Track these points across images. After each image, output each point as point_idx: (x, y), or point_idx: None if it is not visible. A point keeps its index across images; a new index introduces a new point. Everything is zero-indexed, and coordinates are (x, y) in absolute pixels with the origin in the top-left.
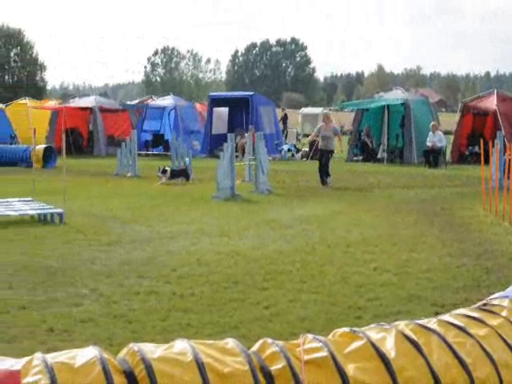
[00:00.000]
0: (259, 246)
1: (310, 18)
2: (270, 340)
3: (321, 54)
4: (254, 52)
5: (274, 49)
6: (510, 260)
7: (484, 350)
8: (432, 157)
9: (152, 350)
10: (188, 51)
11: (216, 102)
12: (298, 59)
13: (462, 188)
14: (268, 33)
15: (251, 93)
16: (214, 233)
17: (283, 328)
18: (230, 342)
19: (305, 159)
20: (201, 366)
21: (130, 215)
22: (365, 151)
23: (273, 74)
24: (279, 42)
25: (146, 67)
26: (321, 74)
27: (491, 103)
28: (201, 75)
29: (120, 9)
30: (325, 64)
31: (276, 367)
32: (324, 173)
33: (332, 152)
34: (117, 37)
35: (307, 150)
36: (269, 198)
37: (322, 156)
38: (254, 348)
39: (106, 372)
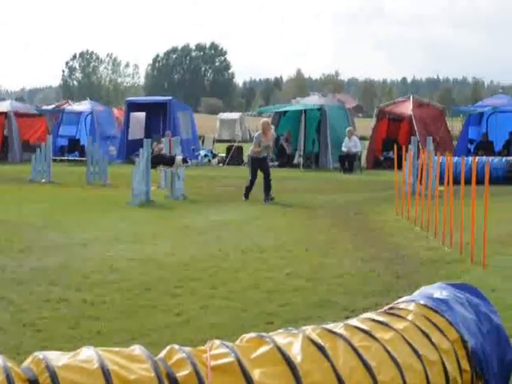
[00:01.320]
0: (173, 252)
1: (229, 23)
2: (176, 346)
3: (240, 59)
4: (174, 56)
5: (193, 53)
6: (420, 265)
7: (389, 353)
8: (347, 162)
9: (57, 358)
10: (107, 55)
11: (133, 106)
12: (217, 64)
13: (376, 193)
14: (188, 37)
15: (169, 98)
16: (127, 239)
17: (194, 334)
18: (137, 349)
19: (221, 164)
20: (106, 374)
21: (44, 221)
22: (281, 156)
23: (192, 79)
24: (199, 47)
25: (63, 71)
26: (240, 79)
27: (406, 109)
28: (119, 80)
29: (40, 10)
30: (244, 69)
31: (182, 373)
32: (269, 186)
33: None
34: (34, 40)
35: (224, 155)
36: (184, 203)
37: (255, 165)
38: (161, 355)
39: (9, 380)
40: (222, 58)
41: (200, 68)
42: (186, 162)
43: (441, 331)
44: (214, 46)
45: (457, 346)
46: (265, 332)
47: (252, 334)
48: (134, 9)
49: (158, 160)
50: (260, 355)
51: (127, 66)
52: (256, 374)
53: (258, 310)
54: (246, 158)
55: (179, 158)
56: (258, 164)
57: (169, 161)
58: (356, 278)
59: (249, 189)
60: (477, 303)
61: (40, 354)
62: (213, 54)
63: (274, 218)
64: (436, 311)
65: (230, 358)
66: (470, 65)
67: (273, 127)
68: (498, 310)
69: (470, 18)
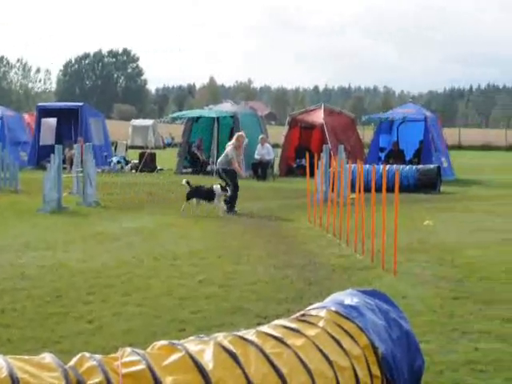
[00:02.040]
0: (85, 259)
1: (142, 29)
2: (87, 354)
3: (153, 66)
4: (86, 62)
5: (106, 59)
6: (332, 272)
7: (300, 360)
8: (260, 169)
9: None
10: (18, 60)
11: (44, 112)
12: (129, 70)
13: (289, 200)
14: (101, 43)
15: (81, 104)
16: (39, 246)
17: (106, 342)
18: (47, 357)
19: (134, 171)
20: (15, 382)
21: None
22: (194, 163)
23: (104, 85)
24: (111, 53)
25: None
26: (152, 86)
27: (318, 117)
28: (30, 85)
29: None
30: (157, 75)
31: (93, 381)
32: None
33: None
34: None
35: (136, 161)
36: (96, 210)
37: (236, 176)
38: (72, 363)
39: None
40: (135, 65)
41: (112, 74)
42: (226, 190)
43: (352, 337)
44: (126, 53)
45: (367, 352)
46: (177, 339)
47: (163, 342)
48: (45, 14)
49: (196, 194)
50: (172, 363)
51: (38, 71)
52: (168, 381)
53: (170, 316)
54: (212, 169)
55: (217, 187)
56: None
57: (208, 194)
58: (269, 285)
59: (234, 200)
60: (387, 309)
61: None
62: (125, 61)
63: (186, 226)
64: (347, 318)
65: (142, 366)
66: (381, 74)
67: (246, 140)
68: (408, 317)
69: (382, 28)
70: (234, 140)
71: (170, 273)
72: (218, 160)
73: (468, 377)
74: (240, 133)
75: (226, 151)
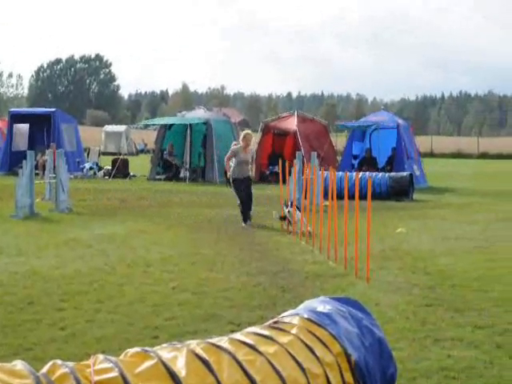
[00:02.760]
0: (57, 265)
1: (115, 35)
2: (59, 361)
3: (126, 72)
4: (59, 67)
5: (78, 65)
6: (305, 279)
7: (273, 367)
8: None
9: None
10: None
11: (16, 118)
12: (102, 76)
13: (262, 207)
14: (73, 48)
15: (53, 109)
16: (11, 252)
17: (79, 349)
18: (18, 364)
19: (107, 177)
20: None
21: None
22: (167, 170)
23: (77, 91)
24: (84, 59)
25: None
26: (125, 92)
27: (291, 124)
28: (2, 90)
29: None
30: (129, 81)
31: None
32: (249, 206)
33: (251, 179)
34: None
35: (109, 168)
36: (69, 216)
37: (240, 186)
38: (44, 370)
39: None
40: (107, 70)
41: (85, 80)
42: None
43: (324, 345)
44: (98, 58)
45: (340, 359)
46: (150, 346)
47: (136, 349)
48: (17, 18)
49: None
50: (144, 370)
51: (10, 76)
52: None
53: (143, 324)
54: (186, 175)
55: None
56: (242, 184)
57: None
58: (242, 292)
59: (244, 211)
60: (359, 317)
61: None
62: (98, 66)
63: (159, 232)
64: (319, 325)
65: (114, 373)
66: (354, 82)
67: (253, 139)
68: (381, 324)
69: (355, 36)
70: (240, 139)
71: (142, 280)
72: None
73: None
74: (247, 131)
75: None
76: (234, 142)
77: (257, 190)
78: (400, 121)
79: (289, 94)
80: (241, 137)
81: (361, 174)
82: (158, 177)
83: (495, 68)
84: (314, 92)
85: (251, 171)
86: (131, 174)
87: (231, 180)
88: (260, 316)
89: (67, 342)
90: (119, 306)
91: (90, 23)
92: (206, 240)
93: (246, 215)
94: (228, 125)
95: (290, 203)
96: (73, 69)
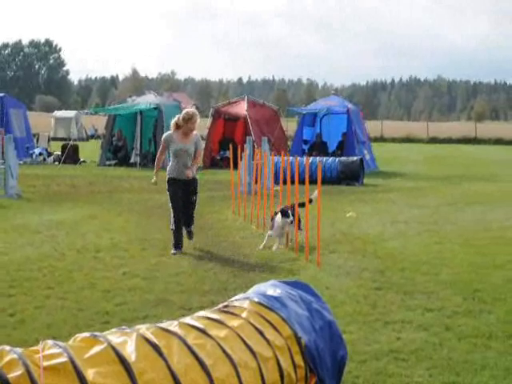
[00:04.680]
0: (6, 252)
1: (64, 20)
2: (7, 347)
3: (75, 57)
4: (6, 53)
5: (26, 50)
6: (255, 263)
7: (224, 350)
8: None
9: None
10: None
11: None
12: (51, 61)
13: (213, 192)
14: (21, 33)
15: (1, 94)
16: None
17: (28, 335)
18: None
19: (57, 163)
20: None
21: None
22: (117, 155)
23: (25, 76)
24: (32, 43)
25: None
26: (75, 77)
27: (242, 109)
28: None
29: None
30: (79, 67)
31: (14, 374)
32: (187, 220)
33: (197, 182)
34: None
35: (59, 153)
36: (18, 202)
37: (176, 191)
38: None
39: None
40: (57, 55)
41: (34, 65)
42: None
43: (275, 328)
44: (48, 43)
45: (290, 343)
46: (101, 332)
47: (85, 334)
48: None
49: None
50: (94, 355)
51: None
52: (90, 373)
53: (94, 309)
54: (136, 161)
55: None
56: (179, 188)
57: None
58: (193, 277)
59: (177, 230)
60: (309, 300)
61: None
62: (47, 52)
63: (110, 218)
64: (270, 308)
65: (63, 358)
66: (305, 67)
67: (198, 120)
68: (331, 307)
69: (305, 20)
70: (175, 122)
71: (92, 265)
72: None
73: (390, 366)
74: (187, 110)
75: None
76: None
77: (207, 176)
78: (350, 105)
79: (240, 79)
80: (176, 119)
81: (311, 158)
82: (108, 162)
83: (444, 53)
84: (265, 77)
85: (195, 168)
86: (81, 159)
87: (166, 180)
88: (211, 301)
89: (16, 328)
90: (69, 292)
91: (38, 7)
92: (157, 225)
93: (178, 237)
94: (178, 110)
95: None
96: (21, 53)
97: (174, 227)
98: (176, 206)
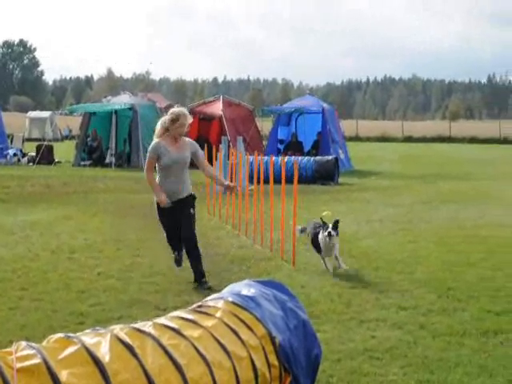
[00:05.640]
0: None
1: (38, 20)
2: None
3: (50, 57)
4: None
5: (0, 50)
6: (230, 262)
7: (198, 350)
8: None
9: None
10: None
11: None
12: (25, 61)
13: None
14: None
15: None
16: None
17: (2, 336)
18: None
19: (31, 164)
20: None
21: None
22: (92, 156)
23: None
24: (6, 44)
25: None
26: (50, 77)
27: (217, 108)
28: None
29: None
30: (54, 67)
31: None
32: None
33: (194, 199)
34: None
35: (34, 154)
36: None
37: (172, 214)
38: None
39: None
40: (31, 56)
41: (8, 65)
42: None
43: (249, 327)
44: (22, 44)
45: (264, 342)
46: (75, 333)
47: (59, 335)
48: None
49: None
50: (67, 356)
51: None
52: (64, 375)
53: (68, 310)
54: (111, 161)
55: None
56: (185, 208)
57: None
58: (167, 277)
59: (176, 254)
60: (284, 299)
61: None
62: (21, 52)
63: (84, 218)
64: (244, 308)
65: (37, 360)
66: (280, 67)
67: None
68: (306, 306)
69: (280, 21)
70: (161, 125)
71: (67, 266)
72: None
73: (365, 364)
74: (176, 109)
75: None
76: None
77: None
78: (325, 105)
79: (215, 79)
80: (162, 122)
81: (286, 158)
82: (82, 163)
83: (419, 52)
84: (240, 77)
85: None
86: (56, 160)
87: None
88: (186, 301)
89: None
90: (43, 293)
91: (12, 7)
92: (132, 226)
93: (176, 259)
94: (154, 110)
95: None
96: None
97: (176, 257)
98: (169, 232)
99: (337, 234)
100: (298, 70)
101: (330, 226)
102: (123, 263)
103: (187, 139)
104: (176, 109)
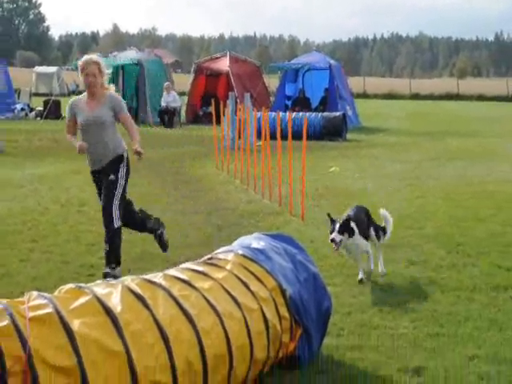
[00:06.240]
0: None
1: None
2: None
3: (55, 12)
4: None
5: (5, 5)
6: (240, 216)
7: (208, 302)
8: (167, 117)
9: None
10: None
11: None
12: (31, 17)
13: (196, 147)
14: None
15: None
16: None
17: (14, 287)
18: None
19: (39, 118)
20: None
21: None
22: None
23: (5, 32)
24: None
25: None
26: (56, 33)
27: (224, 64)
28: None
29: None
30: (59, 22)
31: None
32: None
33: (120, 160)
34: None
35: (41, 109)
36: (0, 157)
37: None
38: None
39: None
40: (36, 11)
41: (13, 20)
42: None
43: (259, 280)
44: None
45: (275, 294)
46: (86, 284)
47: (71, 285)
48: None
49: None
50: (79, 306)
51: None
52: (76, 324)
53: (79, 262)
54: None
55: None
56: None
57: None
58: (176, 230)
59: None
60: (293, 252)
61: None
62: (26, 7)
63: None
64: (254, 261)
65: (49, 309)
66: (286, 23)
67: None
68: (316, 260)
69: None
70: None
71: (77, 219)
72: None
73: (375, 318)
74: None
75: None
76: (167, 83)
77: (190, 131)
78: (332, 61)
79: (221, 36)
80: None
81: (294, 114)
82: None
83: (426, 9)
84: (247, 33)
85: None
86: (63, 115)
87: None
88: (196, 254)
89: (1, 280)
90: (54, 246)
91: None
92: (140, 179)
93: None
94: (160, 65)
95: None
96: (0, 9)
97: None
98: None
99: (349, 236)
100: (304, 27)
101: (337, 226)
102: None
103: (110, 93)
104: (85, 56)
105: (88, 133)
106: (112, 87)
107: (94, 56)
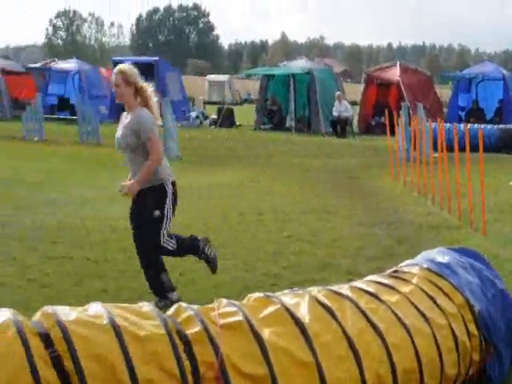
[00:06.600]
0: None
1: None
2: (184, 304)
3: (224, 21)
4: (157, 17)
5: (176, 14)
6: (419, 230)
7: (396, 316)
8: (339, 127)
9: (67, 313)
10: (90, 14)
11: None
12: (201, 26)
13: (370, 158)
14: None
15: (156, 58)
16: (122, 199)
17: (199, 294)
18: (145, 306)
19: (213, 126)
20: (117, 329)
21: (40, 179)
22: (272, 120)
23: (176, 40)
24: (181, 8)
25: (47, 29)
26: (225, 42)
27: (394, 74)
28: (104, 39)
29: None
30: (227, 31)
31: (192, 331)
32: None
33: (156, 193)
34: None
35: (215, 116)
36: (179, 164)
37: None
38: (169, 312)
39: (20, 334)
40: (206, 20)
41: (184, 29)
42: None
43: (446, 295)
44: (196, 7)
45: (463, 311)
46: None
47: (259, 294)
48: None
49: None
50: (268, 315)
51: (112, 25)
52: (266, 333)
53: (261, 271)
54: (291, 125)
55: None
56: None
57: None
58: (355, 242)
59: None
60: (480, 268)
61: (49, 309)
62: (196, 16)
63: (268, 181)
64: (440, 275)
65: (239, 317)
66: (455, 32)
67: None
68: (501, 277)
69: None
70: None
71: (256, 228)
72: None
73: None
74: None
75: None
76: (338, 92)
77: (363, 141)
78: (505, 72)
79: (389, 45)
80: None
81: (469, 125)
82: (263, 126)
83: None
84: (415, 42)
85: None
86: (237, 123)
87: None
88: (376, 266)
89: (187, 287)
90: (235, 253)
91: None
92: (315, 190)
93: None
94: (331, 75)
95: None
96: (171, 18)
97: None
98: None
99: None
100: (473, 36)
101: None
102: (310, 227)
103: (137, 111)
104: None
105: (125, 156)
106: (151, 99)
107: (122, 65)
